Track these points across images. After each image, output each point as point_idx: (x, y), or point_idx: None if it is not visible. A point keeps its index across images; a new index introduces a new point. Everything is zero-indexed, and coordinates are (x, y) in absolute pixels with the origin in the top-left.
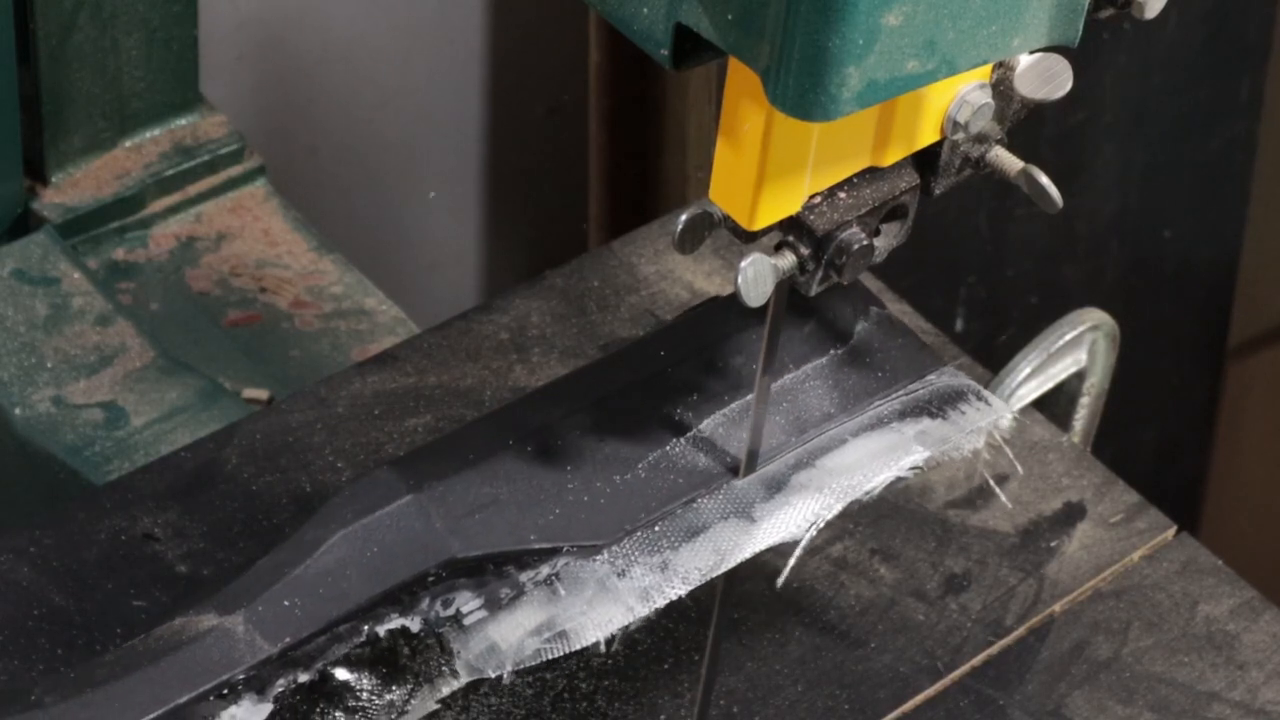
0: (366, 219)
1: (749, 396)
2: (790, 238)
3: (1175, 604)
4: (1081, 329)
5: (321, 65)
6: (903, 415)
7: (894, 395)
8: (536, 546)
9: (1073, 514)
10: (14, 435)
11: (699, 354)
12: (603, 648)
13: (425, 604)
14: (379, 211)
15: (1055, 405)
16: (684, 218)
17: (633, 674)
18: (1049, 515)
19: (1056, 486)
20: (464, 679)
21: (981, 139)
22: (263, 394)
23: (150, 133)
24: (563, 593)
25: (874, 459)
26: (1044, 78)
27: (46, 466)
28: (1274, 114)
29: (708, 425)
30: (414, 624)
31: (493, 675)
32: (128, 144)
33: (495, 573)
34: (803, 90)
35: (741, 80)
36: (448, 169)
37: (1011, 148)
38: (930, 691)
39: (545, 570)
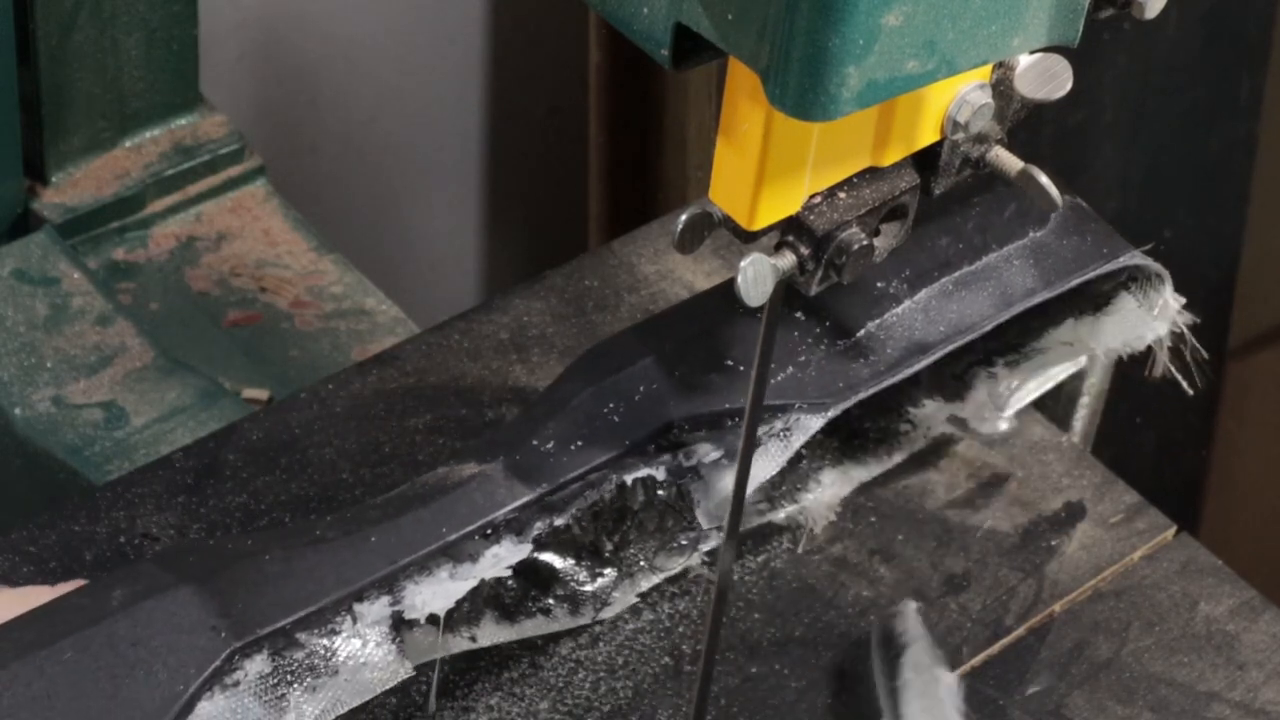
0: (366, 219)
1: (951, 275)
2: (790, 237)
3: (1175, 604)
4: None
5: (321, 65)
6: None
7: (1088, 274)
8: (771, 403)
9: (1073, 514)
10: (14, 435)
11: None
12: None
13: (668, 455)
14: (379, 211)
15: (1055, 405)
16: (684, 218)
17: (632, 673)
18: (1049, 515)
19: (1056, 486)
20: (706, 527)
21: (981, 139)
22: (263, 394)
23: (150, 133)
24: (796, 444)
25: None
26: (1044, 78)
27: (46, 466)
28: (1274, 114)
29: (923, 297)
30: (659, 473)
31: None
32: (128, 144)
33: (733, 427)
34: (802, 90)
35: (741, 80)
36: (448, 169)
37: (1011, 148)
38: None
39: (779, 425)
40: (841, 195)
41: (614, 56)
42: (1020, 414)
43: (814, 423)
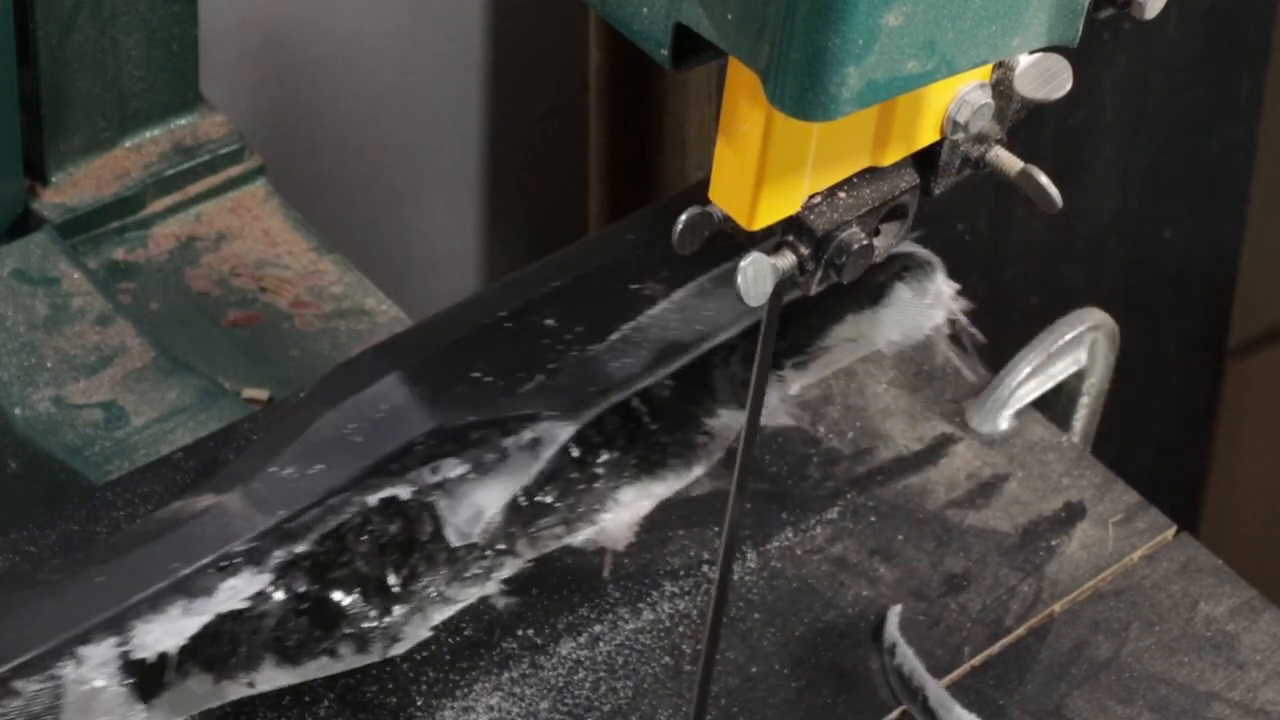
0: (366, 219)
1: (709, 273)
2: (790, 237)
3: (1175, 604)
4: (1081, 329)
5: (321, 65)
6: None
7: None
8: (516, 414)
9: (1073, 514)
10: (14, 435)
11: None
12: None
13: (413, 473)
14: (379, 211)
15: (1055, 405)
16: (684, 218)
17: (632, 673)
18: (1049, 515)
19: (1056, 486)
20: (455, 544)
21: (981, 139)
22: (263, 394)
23: (150, 133)
24: (545, 455)
25: None
26: (1044, 78)
27: (46, 466)
28: (1274, 114)
29: (679, 297)
30: (403, 492)
31: (477, 540)
32: (128, 144)
33: (479, 439)
34: (802, 90)
35: (741, 80)
36: (448, 169)
37: (1011, 148)
38: None
39: (527, 435)
40: (841, 195)
41: (614, 56)
42: (1020, 414)
43: (564, 432)
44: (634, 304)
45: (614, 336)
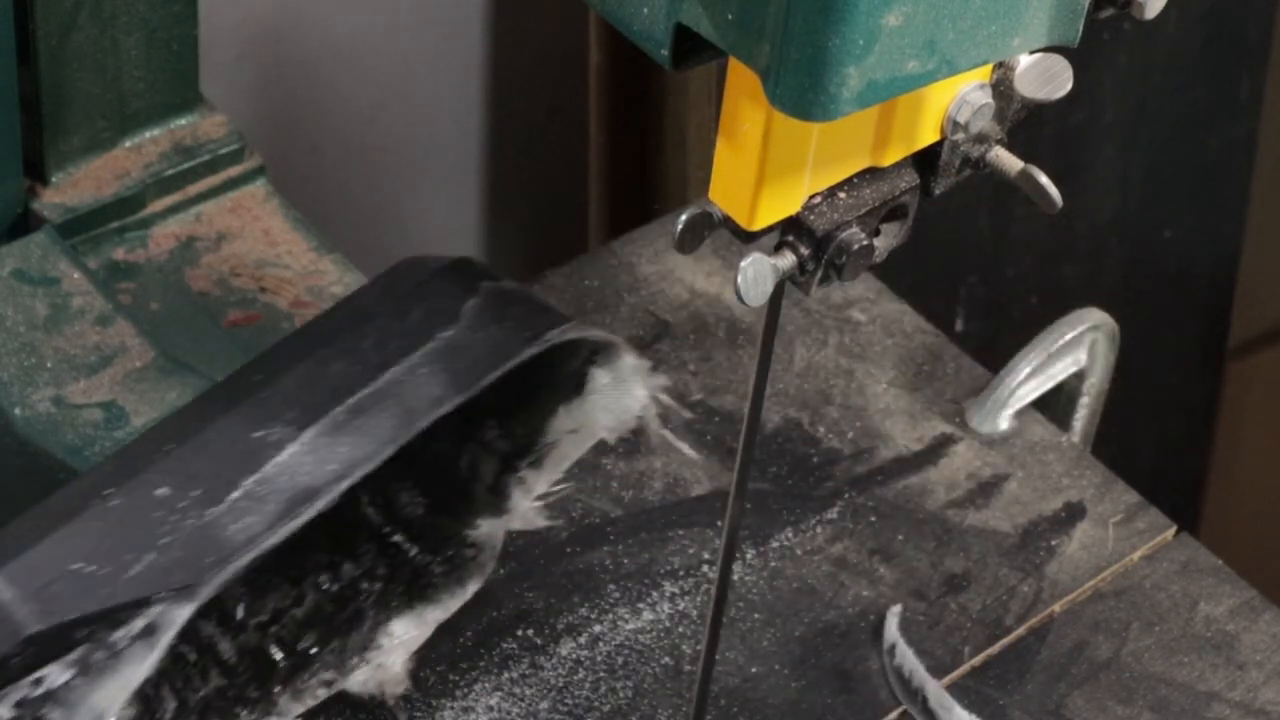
0: (366, 219)
1: (344, 404)
2: (790, 238)
3: (1175, 604)
4: (1081, 329)
5: (322, 64)
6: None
7: (511, 365)
8: (125, 601)
9: (1073, 514)
10: (14, 435)
11: (292, 371)
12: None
13: (12, 690)
14: (379, 211)
15: (1055, 405)
16: (684, 218)
17: (632, 673)
18: (1049, 515)
19: (1056, 486)
20: None
21: (981, 139)
22: None
23: (150, 133)
24: (163, 641)
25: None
26: (1044, 78)
27: (46, 466)
28: (1274, 114)
29: (310, 436)
30: (4, 712)
31: None
32: (128, 144)
33: (85, 638)
34: (802, 90)
35: (741, 80)
36: (448, 169)
37: (1011, 148)
38: None
39: (140, 623)
40: (841, 195)
41: (614, 56)
42: (1020, 414)
43: (184, 611)
44: (257, 454)
45: (235, 495)
